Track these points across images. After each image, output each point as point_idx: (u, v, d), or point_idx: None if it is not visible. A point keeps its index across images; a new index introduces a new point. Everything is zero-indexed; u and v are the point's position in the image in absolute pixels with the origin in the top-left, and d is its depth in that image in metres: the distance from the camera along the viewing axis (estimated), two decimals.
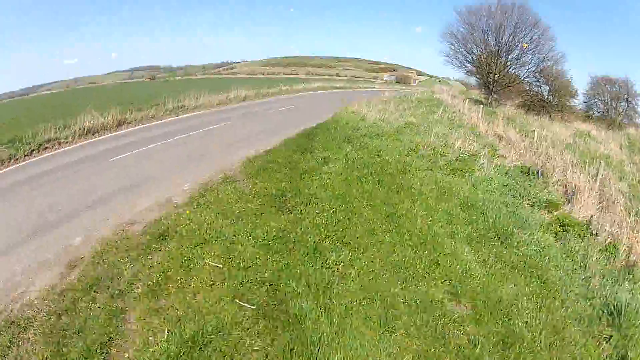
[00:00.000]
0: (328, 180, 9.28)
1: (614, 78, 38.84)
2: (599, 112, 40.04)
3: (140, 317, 5.12)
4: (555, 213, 8.76)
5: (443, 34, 35.02)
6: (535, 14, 30.75)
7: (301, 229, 7.06)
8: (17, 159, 11.78)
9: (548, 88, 35.09)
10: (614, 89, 39.65)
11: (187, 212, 7.76)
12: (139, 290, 5.67)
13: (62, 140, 13.41)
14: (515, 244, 7.27)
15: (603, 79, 39.46)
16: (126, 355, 4.63)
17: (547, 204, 9.13)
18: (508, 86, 35.12)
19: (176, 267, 6.04)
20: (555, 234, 7.94)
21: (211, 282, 5.72)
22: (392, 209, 8.15)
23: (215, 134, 15.01)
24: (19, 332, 4.92)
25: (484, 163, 11.50)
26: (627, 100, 38.70)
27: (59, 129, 14.01)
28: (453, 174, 10.74)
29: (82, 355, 4.53)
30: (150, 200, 8.55)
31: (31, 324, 5.05)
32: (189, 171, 10.46)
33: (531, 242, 7.40)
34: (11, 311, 5.29)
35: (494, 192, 9.77)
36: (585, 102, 40.55)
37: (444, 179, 10.21)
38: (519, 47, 31.99)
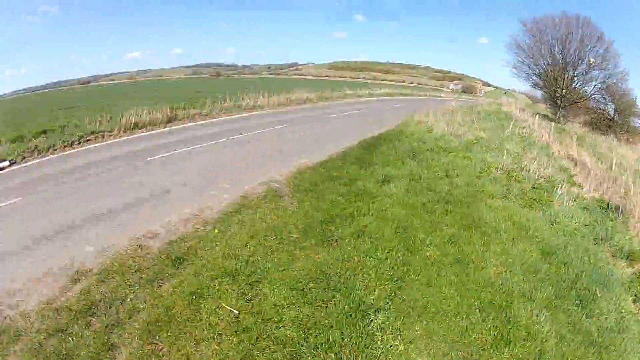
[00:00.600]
0: (387, 206, 7.69)
1: None
2: None
3: None
4: (637, 267, 6.94)
5: (509, 44, 33.97)
6: (599, 28, 28.47)
7: (346, 271, 5.55)
8: (55, 149, 11.43)
9: (614, 107, 32.25)
10: None
11: (216, 231, 6.63)
12: (137, 325, 4.61)
13: (107, 133, 13.03)
14: (597, 311, 5.45)
15: None
16: None
17: (628, 255, 7.31)
18: (575, 102, 33.13)
19: (184, 304, 4.85)
20: (636, 295, 6.16)
21: (220, 332, 4.45)
22: (460, 251, 6.40)
23: (268, 138, 13.92)
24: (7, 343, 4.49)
25: (562, 194, 9.54)
26: None
27: (106, 120, 13.81)
28: (530, 205, 8.86)
29: None
30: (178, 212, 7.51)
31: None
32: (230, 179, 9.38)
33: (612, 309, 5.56)
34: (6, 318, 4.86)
35: (575, 234, 7.83)
36: None
37: (520, 213, 8.31)
38: (585, 62, 29.61)
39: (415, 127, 16.51)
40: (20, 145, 11.25)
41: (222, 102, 19.87)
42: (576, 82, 30.85)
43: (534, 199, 9.08)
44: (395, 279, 5.42)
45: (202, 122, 16.87)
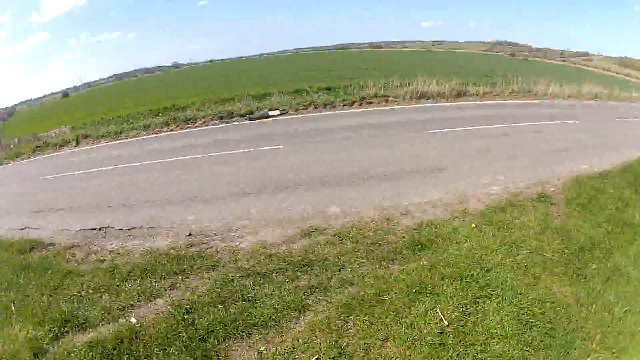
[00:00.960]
0: None
1: None
2: None
3: None
4: None
5: None
6: None
7: (580, 317, 4.31)
8: (334, 106, 12.71)
9: None
10: None
11: (473, 226, 5.98)
12: (340, 297, 4.48)
13: (392, 99, 13.63)
14: None
15: None
16: None
17: None
18: None
19: (401, 294, 4.43)
20: None
21: (417, 337, 3.89)
22: None
23: (555, 131, 12.07)
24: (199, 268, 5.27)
25: None
26: None
27: (392, 86, 14.86)
28: None
29: None
30: (440, 193, 7.25)
31: None
32: (506, 170, 8.51)
33: None
34: None
35: None
36: None
37: None
38: None
39: None
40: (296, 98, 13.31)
41: (514, 84, 19.37)
42: None
43: None
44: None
45: (491, 101, 16.41)
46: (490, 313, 4.19)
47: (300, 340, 3.88)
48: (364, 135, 11.11)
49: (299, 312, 4.27)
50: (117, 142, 15.07)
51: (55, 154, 15.62)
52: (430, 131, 11.12)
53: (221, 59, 75.65)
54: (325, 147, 10.44)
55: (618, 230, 6.09)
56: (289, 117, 13.56)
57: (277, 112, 13.41)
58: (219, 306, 4.37)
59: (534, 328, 4.05)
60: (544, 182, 7.76)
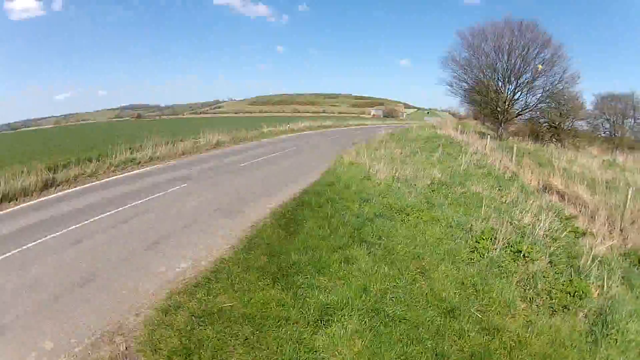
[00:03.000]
0: None
1: (618, 94, 36.57)
2: (605, 133, 37.46)
3: None
4: None
5: (444, 60, 31.32)
6: (546, 32, 27.33)
7: None
8: None
9: (559, 113, 30.98)
10: (619, 106, 36.60)
11: None
12: None
13: None
14: None
15: (608, 96, 36.88)
16: None
17: None
18: (519, 115, 31.42)
19: None
20: None
21: None
22: None
23: (144, 220, 8.93)
24: None
25: (591, 268, 6.19)
26: (634, 116, 36.03)
27: None
28: (564, 309, 5.40)
29: None
30: None
31: None
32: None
33: None
34: None
35: None
36: (590, 123, 37.49)
37: (564, 339, 4.75)
38: (531, 69, 28.11)
39: (348, 173, 12.78)
40: None
41: (114, 157, 15.38)
42: (519, 93, 29.27)
43: (568, 293, 5.56)
44: None
45: (81, 186, 12.39)
46: None
47: None
48: None
49: None
50: None
51: None
52: None
53: None
54: None
55: None
56: None
57: None
58: None
59: None
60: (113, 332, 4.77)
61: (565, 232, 7.65)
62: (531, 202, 9.13)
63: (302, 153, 20.16)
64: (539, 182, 11.99)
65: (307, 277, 5.68)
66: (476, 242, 6.87)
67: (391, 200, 9.30)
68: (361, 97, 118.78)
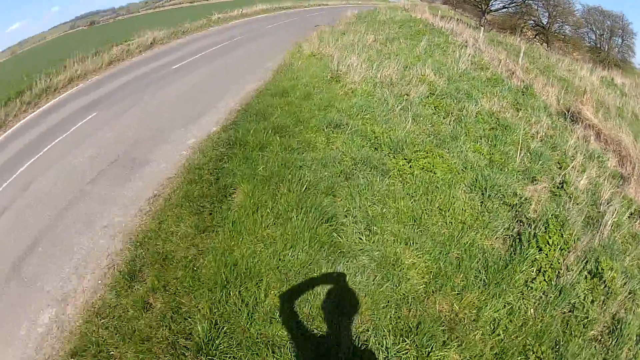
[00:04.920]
0: None
1: (607, 12, 33.54)
2: (590, 43, 34.74)
3: None
4: None
5: None
6: None
7: None
8: None
9: (549, 14, 28.46)
10: (608, 22, 33.98)
11: None
12: None
13: None
14: None
15: (596, 9, 33.76)
16: None
17: None
18: (505, 7, 28.98)
19: None
20: None
21: None
22: None
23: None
24: None
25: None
26: (622, 37, 33.51)
27: None
28: None
29: None
30: None
31: None
32: None
33: None
34: None
35: None
36: (575, 31, 34.92)
37: None
38: None
39: (308, 70, 8.98)
40: None
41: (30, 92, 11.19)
42: None
43: None
44: None
45: None
46: None
47: None
48: None
49: None
50: None
51: None
52: None
53: None
54: None
55: None
56: None
57: None
58: None
59: None
60: None
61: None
62: (572, 143, 6.19)
63: (252, 41, 15.55)
64: (558, 102, 9.01)
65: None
66: (538, 248, 3.85)
67: (378, 127, 5.85)
68: None
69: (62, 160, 6.70)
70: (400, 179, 4.72)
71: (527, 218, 4.17)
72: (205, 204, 4.66)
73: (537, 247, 3.87)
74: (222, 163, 5.47)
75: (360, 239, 3.93)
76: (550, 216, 4.02)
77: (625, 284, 3.82)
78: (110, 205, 5.29)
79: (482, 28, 20.86)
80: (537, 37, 28.19)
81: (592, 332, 3.44)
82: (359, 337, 3.05)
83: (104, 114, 8.69)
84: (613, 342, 3.36)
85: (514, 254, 3.89)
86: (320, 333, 3.03)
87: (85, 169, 6.31)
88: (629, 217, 4.77)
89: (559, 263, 3.83)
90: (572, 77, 14.18)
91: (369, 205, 4.32)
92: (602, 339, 3.44)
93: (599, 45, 34.35)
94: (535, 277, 3.75)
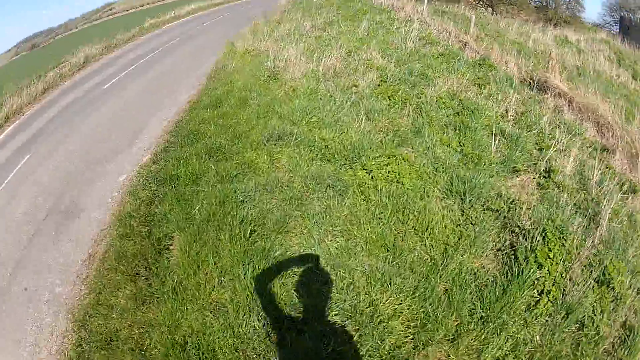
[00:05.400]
0: None
1: None
2: (536, 1, 34.96)
3: None
4: None
5: None
6: None
7: None
8: None
9: None
10: None
11: None
12: None
13: None
14: None
15: None
16: None
17: None
18: None
19: None
20: None
21: None
22: None
23: None
24: None
25: None
26: None
27: None
28: None
29: None
30: None
31: None
32: None
33: None
34: None
35: None
36: None
37: None
38: None
39: (243, 71, 7.98)
40: None
41: None
42: None
43: None
44: None
45: None
46: None
47: None
48: None
49: None
50: None
51: None
52: None
53: None
54: None
55: None
56: None
57: None
58: None
59: None
60: None
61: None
62: (546, 118, 5.54)
63: (187, 44, 14.52)
64: (520, 70, 8.45)
65: None
66: (537, 264, 3.07)
67: (327, 132, 4.93)
68: None
69: None
70: (363, 196, 3.85)
71: (518, 227, 3.41)
72: (139, 267, 3.77)
73: (537, 262, 3.13)
74: (153, 207, 4.55)
75: (326, 289, 3.03)
76: (546, 222, 3.28)
77: (631, 284, 3.19)
78: (46, 273, 4.36)
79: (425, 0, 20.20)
80: (480, 2, 27.89)
81: (603, 347, 2.81)
82: None
83: (39, 153, 7.59)
84: (625, 352, 2.82)
85: (511, 274, 3.13)
86: None
87: (20, 229, 5.26)
88: (622, 196, 4.17)
89: (562, 278, 3.12)
90: (525, 39, 13.84)
91: (330, 240, 3.42)
92: (615, 352, 2.84)
93: (545, 4, 34.82)
94: (539, 300, 3.03)
